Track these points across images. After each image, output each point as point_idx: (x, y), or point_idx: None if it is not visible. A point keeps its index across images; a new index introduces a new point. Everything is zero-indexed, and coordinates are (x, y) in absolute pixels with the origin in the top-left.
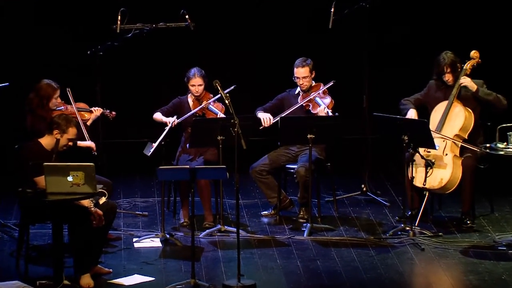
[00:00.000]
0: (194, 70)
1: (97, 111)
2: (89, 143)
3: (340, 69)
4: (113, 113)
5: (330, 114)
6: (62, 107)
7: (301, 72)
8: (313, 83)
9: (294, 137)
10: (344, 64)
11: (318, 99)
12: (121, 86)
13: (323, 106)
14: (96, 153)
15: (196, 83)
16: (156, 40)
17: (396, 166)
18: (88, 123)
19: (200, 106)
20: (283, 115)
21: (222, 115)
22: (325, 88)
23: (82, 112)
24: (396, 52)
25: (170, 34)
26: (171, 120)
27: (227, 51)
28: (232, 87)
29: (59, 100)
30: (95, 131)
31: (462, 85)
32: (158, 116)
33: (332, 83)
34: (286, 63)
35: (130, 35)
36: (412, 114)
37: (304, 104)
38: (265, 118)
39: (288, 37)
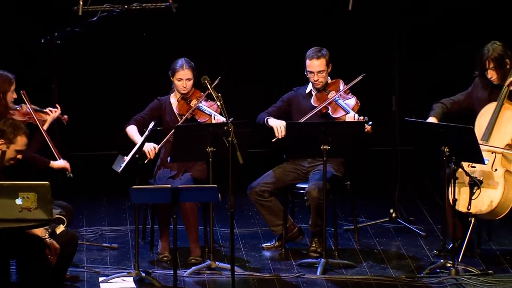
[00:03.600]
0: (181, 61)
1: (54, 112)
2: (63, 163)
3: (363, 62)
4: (65, 116)
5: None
6: (16, 106)
7: (316, 65)
8: (329, 80)
9: (304, 148)
10: (368, 55)
11: (340, 100)
12: (83, 84)
13: (351, 112)
14: (71, 175)
15: (184, 77)
16: (129, 26)
17: (433, 185)
18: (44, 127)
19: (192, 109)
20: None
21: (219, 117)
22: (346, 87)
23: (39, 113)
24: (434, 39)
25: (147, 17)
26: (149, 149)
27: (219, 39)
28: (217, 80)
29: (14, 95)
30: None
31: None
32: (131, 131)
33: (361, 78)
34: (295, 54)
35: (95, 18)
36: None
37: (320, 107)
38: (279, 126)
39: (297, 21)
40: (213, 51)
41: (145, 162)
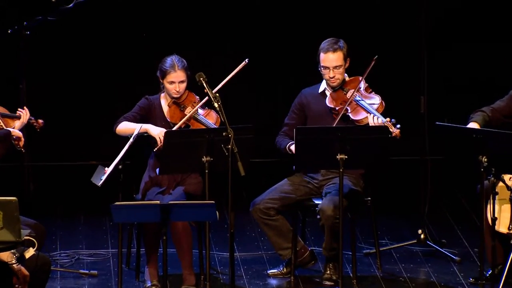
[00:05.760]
0: (172, 60)
1: (24, 115)
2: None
3: (385, 55)
4: (40, 121)
5: (386, 123)
6: None
7: (332, 60)
8: (346, 77)
9: (316, 158)
10: (390, 46)
11: (361, 100)
12: (57, 82)
13: (374, 113)
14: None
15: (177, 79)
16: (111, 14)
17: (469, 201)
18: (15, 131)
19: (187, 116)
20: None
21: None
22: (362, 80)
23: (6, 119)
24: (472, 27)
25: (131, 4)
26: (161, 135)
27: (217, 28)
28: (244, 62)
29: None
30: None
31: None
32: (124, 125)
33: (374, 62)
34: (304, 50)
35: (71, 5)
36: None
37: (337, 108)
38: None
39: (308, 13)
40: (209, 46)
41: (155, 150)
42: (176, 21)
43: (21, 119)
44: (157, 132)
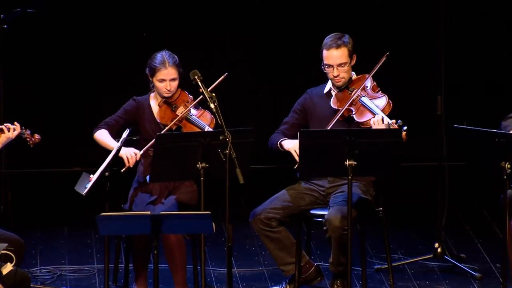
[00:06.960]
0: (162, 56)
1: (11, 131)
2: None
3: (398, 51)
4: (36, 136)
5: (392, 125)
6: None
7: (335, 57)
8: (354, 76)
9: (322, 164)
10: (404, 42)
11: (366, 100)
12: (37, 80)
13: (379, 114)
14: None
15: (168, 77)
16: (96, 5)
17: (490, 212)
18: None
19: (178, 119)
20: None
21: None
22: (369, 78)
23: None
24: (491, 24)
25: None
26: (128, 154)
27: (215, 23)
28: (224, 76)
29: None
30: None
31: None
32: (102, 136)
33: (384, 58)
34: (310, 46)
35: None
36: None
37: (341, 109)
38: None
39: (311, 3)
40: (206, 42)
41: (122, 171)
42: (169, 14)
43: (6, 134)
44: (124, 151)
